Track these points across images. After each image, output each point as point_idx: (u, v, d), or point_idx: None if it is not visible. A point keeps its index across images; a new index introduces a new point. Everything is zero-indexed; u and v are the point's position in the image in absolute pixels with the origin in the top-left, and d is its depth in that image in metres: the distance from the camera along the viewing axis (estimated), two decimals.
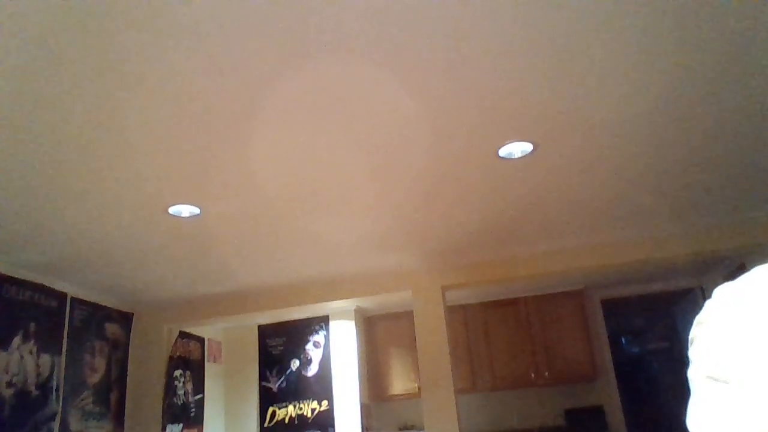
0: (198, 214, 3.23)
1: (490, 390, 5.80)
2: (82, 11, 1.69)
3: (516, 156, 2.87)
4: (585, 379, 5.64)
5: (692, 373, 0.58)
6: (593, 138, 2.76)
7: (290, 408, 5.70)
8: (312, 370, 5.75)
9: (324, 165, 2.81)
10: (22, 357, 3.76)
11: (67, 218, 3.13)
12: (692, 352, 0.59)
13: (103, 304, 4.68)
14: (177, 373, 5.19)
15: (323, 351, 5.76)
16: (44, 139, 2.34)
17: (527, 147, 2.79)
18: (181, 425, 5.14)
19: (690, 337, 0.61)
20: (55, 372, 4.04)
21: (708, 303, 0.60)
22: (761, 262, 0.62)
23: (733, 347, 0.54)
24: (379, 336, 6.04)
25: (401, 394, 5.83)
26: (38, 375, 3.88)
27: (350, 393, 5.56)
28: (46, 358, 3.97)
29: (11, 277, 3.77)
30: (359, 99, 2.28)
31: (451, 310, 5.85)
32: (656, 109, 2.55)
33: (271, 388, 5.83)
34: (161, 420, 4.82)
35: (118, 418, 4.72)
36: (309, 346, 5.83)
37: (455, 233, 3.98)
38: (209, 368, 5.78)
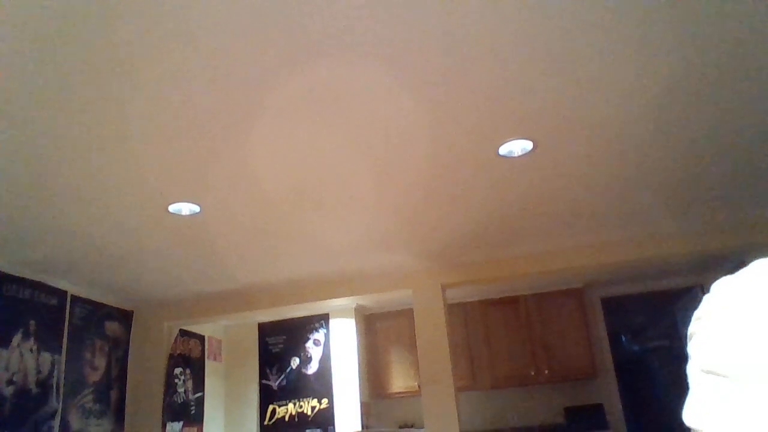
0: (198, 212, 3.23)
1: (489, 388, 5.80)
2: (82, 12, 1.69)
3: (516, 154, 2.87)
4: (585, 377, 5.64)
5: (690, 368, 0.58)
6: (594, 136, 2.76)
7: (290, 406, 5.71)
8: (312, 368, 5.75)
9: (324, 163, 2.81)
10: (22, 355, 3.77)
11: (67, 217, 3.13)
12: (691, 348, 0.59)
13: (103, 302, 4.69)
14: (177, 371, 5.19)
15: (323, 349, 5.77)
16: (44, 138, 2.34)
17: (527, 145, 2.79)
18: (181, 423, 5.14)
19: (689, 332, 0.61)
20: (55, 370, 4.04)
21: (706, 297, 0.60)
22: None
23: (731, 341, 0.54)
24: (379, 334, 6.04)
25: (401, 392, 5.83)
26: (38, 373, 3.89)
27: (350, 391, 5.57)
28: (46, 356, 3.97)
29: (11, 275, 3.77)
30: (359, 98, 2.27)
31: (451, 308, 5.85)
32: (656, 108, 2.54)
33: (271, 386, 5.83)
34: (161, 418, 4.83)
35: (119, 416, 4.72)
36: (309, 344, 5.83)
37: (455, 231, 3.98)
38: (209, 366, 5.78)
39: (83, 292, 4.45)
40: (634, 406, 6.73)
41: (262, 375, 5.90)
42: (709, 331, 0.57)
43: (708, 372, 0.55)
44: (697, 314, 0.60)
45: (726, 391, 0.52)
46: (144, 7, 1.71)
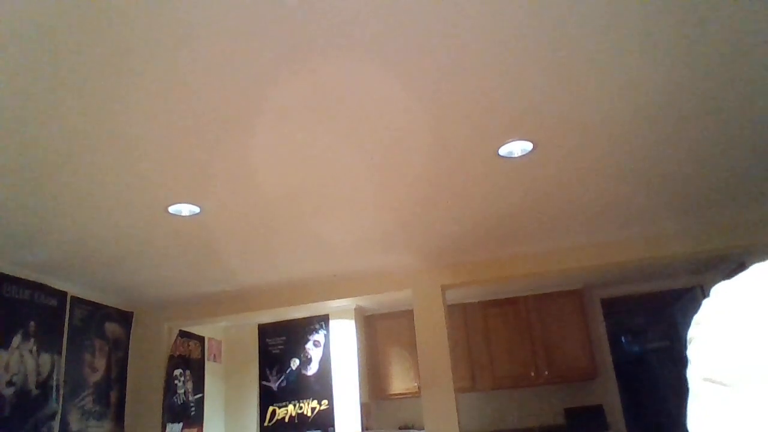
0: (198, 213, 3.23)
1: (489, 389, 5.80)
2: (82, 11, 1.69)
3: (516, 155, 2.87)
4: (585, 378, 5.64)
5: (691, 374, 0.58)
6: (593, 137, 2.76)
7: (290, 407, 5.71)
8: (312, 369, 5.75)
9: (324, 164, 2.81)
10: (22, 356, 3.77)
11: (67, 218, 3.13)
12: (690, 353, 0.59)
13: (103, 303, 4.68)
14: (177, 372, 5.19)
15: (323, 350, 5.77)
16: (44, 138, 2.34)
17: (527, 146, 2.79)
18: (181, 424, 5.14)
19: (688, 336, 0.61)
20: (55, 371, 4.04)
21: (706, 302, 0.60)
22: (761, 260, 0.62)
23: (731, 349, 0.54)
24: (379, 335, 6.04)
25: (401, 393, 5.83)
26: (38, 374, 3.89)
27: (350, 392, 5.56)
28: (46, 357, 3.97)
29: (11, 276, 3.77)
30: (359, 99, 2.27)
31: (451, 309, 5.85)
32: (656, 109, 2.55)
33: (271, 387, 5.83)
34: (161, 419, 4.82)
35: (118, 417, 4.72)
36: (309, 345, 5.83)
37: (455, 232, 3.98)
38: (209, 367, 5.78)
39: (83, 293, 4.45)
40: (634, 406, 6.73)
41: (262, 376, 5.90)
42: (709, 336, 0.57)
43: (706, 380, 0.55)
44: (697, 318, 0.60)
45: (726, 399, 0.52)
46: (144, 7, 1.71)
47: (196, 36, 1.85)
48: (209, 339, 5.87)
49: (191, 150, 2.55)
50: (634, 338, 7.59)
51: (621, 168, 3.14)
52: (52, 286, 4.12)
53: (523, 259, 4.65)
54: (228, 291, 4.87)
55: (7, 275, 3.74)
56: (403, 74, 2.14)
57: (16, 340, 3.74)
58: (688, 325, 0.62)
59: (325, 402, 5.61)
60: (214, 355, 5.94)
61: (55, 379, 4.03)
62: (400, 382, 5.85)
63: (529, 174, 3.12)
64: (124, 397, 4.81)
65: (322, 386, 5.66)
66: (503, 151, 2.82)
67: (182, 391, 5.24)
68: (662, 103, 2.50)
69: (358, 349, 5.70)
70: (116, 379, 4.75)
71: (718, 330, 0.56)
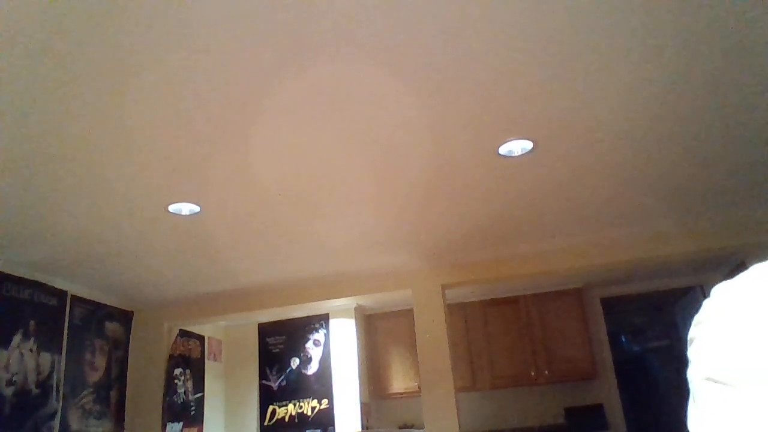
0: (198, 212, 3.23)
1: (489, 388, 5.80)
2: (83, 12, 1.69)
3: (516, 154, 2.87)
4: (585, 377, 5.64)
5: (691, 374, 0.58)
6: (593, 136, 2.76)
7: (290, 406, 5.71)
8: (312, 369, 5.75)
9: (324, 164, 2.81)
10: (22, 355, 3.77)
11: (67, 217, 3.13)
12: (691, 353, 0.59)
13: (103, 302, 4.69)
14: (177, 371, 5.19)
15: (323, 349, 5.77)
16: (44, 137, 2.34)
17: (527, 145, 2.79)
18: (181, 424, 5.14)
19: (689, 336, 0.61)
20: (55, 370, 4.04)
21: (706, 302, 0.60)
22: (761, 260, 0.62)
23: (733, 348, 0.54)
24: (379, 334, 6.04)
25: (401, 393, 5.83)
26: (38, 373, 3.89)
27: (350, 391, 5.57)
28: (46, 357, 3.97)
29: (11, 275, 3.77)
30: (359, 98, 2.27)
31: (451, 309, 5.84)
32: (656, 108, 2.55)
33: (271, 387, 5.83)
34: (161, 418, 4.83)
35: (118, 416, 4.72)
36: (309, 345, 5.83)
37: (455, 231, 3.98)
38: (209, 367, 5.78)
39: (83, 293, 4.45)
40: (634, 406, 6.74)
41: (262, 375, 5.90)
42: (710, 337, 0.57)
43: (708, 379, 0.55)
44: (698, 318, 0.60)
45: (728, 398, 0.52)
46: (145, 8, 1.71)
47: (196, 35, 1.85)
48: (209, 338, 5.87)
49: (191, 149, 2.55)
50: (634, 338, 7.59)
51: (621, 168, 3.14)
52: (52, 285, 4.12)
53: (523, 259, 4.65)
54: (228, 290, 4.87)
55: (7, 274, 3.74)
56: (404, 74, 2.14)
57: (16, 339, 3.74)
58: (688, 325, 0.62)
59: (325, 401, 5.61)
60: (214, 355, 5.94)
61: (55, 378, 4.03)
62: (400, 381, 5.86)
63: (529, 173, 3.12)
64: (124, 397, 4.81)
65: (322, 385, 5.66)
66: (503, 150, 2.81)
67: (182, 390, 5.24)
68: (662, 102, 2.50)
69: (358, 348, 5.70)
70: (116, 378, 4.76)
71: (720, 330, 0.56)
